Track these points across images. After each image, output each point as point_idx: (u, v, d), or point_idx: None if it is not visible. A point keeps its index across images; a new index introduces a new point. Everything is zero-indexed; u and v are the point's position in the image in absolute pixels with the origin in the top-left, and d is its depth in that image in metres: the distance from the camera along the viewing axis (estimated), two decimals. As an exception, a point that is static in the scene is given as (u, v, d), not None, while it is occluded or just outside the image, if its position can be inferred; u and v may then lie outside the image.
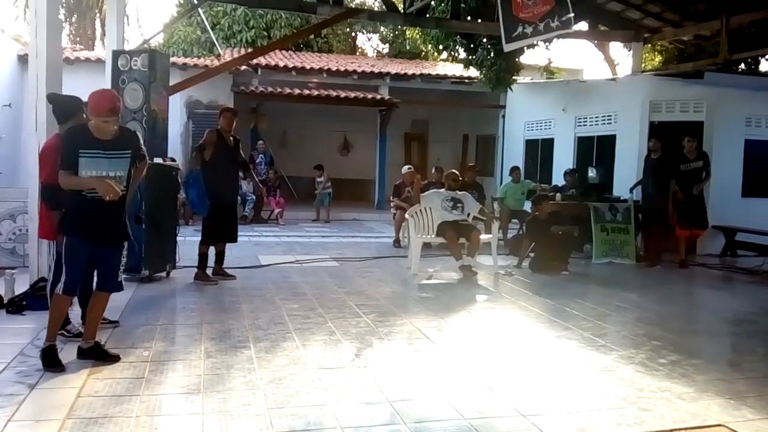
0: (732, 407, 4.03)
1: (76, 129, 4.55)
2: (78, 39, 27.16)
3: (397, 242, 11.16)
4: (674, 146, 9.88)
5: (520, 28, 9.50)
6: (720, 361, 5.24)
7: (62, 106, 5.09)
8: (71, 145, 4.40)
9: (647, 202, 9.96)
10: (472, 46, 13.88)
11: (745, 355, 5.47)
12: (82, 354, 4.53)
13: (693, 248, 11.10)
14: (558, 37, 12.22)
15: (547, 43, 14.37)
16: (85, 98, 4.60)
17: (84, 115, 4.84)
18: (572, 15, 9.16)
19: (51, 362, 4.36)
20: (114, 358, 4.53)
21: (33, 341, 4.91)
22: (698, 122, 11.25)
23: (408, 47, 26.01)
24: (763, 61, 17.43)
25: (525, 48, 13.83)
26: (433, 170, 12.65)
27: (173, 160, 8.77)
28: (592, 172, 13.05)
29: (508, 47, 9.97)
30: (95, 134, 4.42)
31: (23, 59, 13.08)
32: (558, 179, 13.02)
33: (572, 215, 10.16)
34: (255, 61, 15.51)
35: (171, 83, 8.60)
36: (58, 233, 4.63)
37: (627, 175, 11.80)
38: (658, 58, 19.90)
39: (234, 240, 7.92)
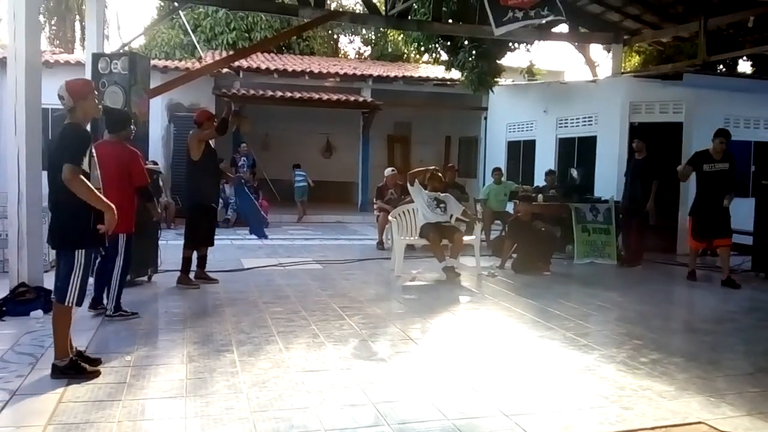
0: (712, 405, 4.08)
1: (79, 126, 4.37)
2: (57, 42, 26.92)
3: (380, 244, 11.17)
4: (655, 147, 9.97)
5: (510, 13, 9.64)
6: (700, 360, 5.28)
7: (114, 118, 5.83)
8: (83, 142, 4.30)
9: (631, 202, 9.82)
10: (453, 48, 13.94)
11: (725, 354, 5.53)
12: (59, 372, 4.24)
13: (673, 248, 11.21)
14: (543, 32, 12.37)
15: (528, 45, 14.48)
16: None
17: (133, 128, 5.95)
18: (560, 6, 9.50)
19: (81, 371, 4.25)
20: (93, 374, 4.30)
21: (13, 347, 4.87)
22: (677, 123, 11.38)
23: (390, 49, 26.06)
24: (741, 62, 17.64)
25: (507, 49, 14.00)
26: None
27: (155, 163, 8.74)
28: (574, 173, 13.13)
29: (498, 31, 10.04)
30: None
31: (2, 62, 12.94)
32: (540, 180, 13.10)
33: (553, 216, 10.24)
34: (237, 63, 15.47)
35: (152, 86, 8.56)
36: (77, 246, 4.30)
37: (608, 175, 11.90)
38: (638, 60, 20.07)
39: (211, 244, 7.87)
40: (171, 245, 8.54)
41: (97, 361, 4.49)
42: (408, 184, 8.88)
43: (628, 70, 17.79)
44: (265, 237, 9.42)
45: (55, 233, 4.35)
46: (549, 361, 5.01)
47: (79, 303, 4.37)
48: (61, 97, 4.36)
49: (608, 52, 16.04)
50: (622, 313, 6.83)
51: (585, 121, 13.11)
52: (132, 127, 6.30)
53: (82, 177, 4.15)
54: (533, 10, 9.79)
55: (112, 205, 4.29)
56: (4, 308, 5.79)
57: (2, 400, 3.84)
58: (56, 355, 4.28)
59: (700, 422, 3.80)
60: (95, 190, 4.23)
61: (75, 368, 4.26)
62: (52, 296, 4.34)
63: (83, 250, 4.30)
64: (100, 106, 4.67)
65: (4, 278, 6.52)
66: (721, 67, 16.38)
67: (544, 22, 10.32)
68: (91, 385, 4.14)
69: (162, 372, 4.45)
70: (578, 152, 13.39)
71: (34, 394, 3.98)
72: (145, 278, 7.62)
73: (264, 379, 4.33)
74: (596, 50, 21.86)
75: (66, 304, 4.26)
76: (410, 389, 4.24)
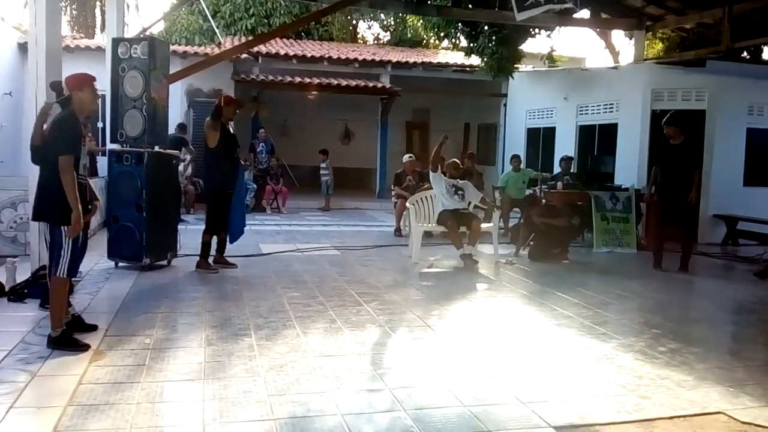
0: (731, 395, 4.05)
1: (75, 115, 4.63)
2: (78, 27, 27.06)
3: (398, 231, 11.16)
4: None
5: None
6: (719, 350, 5.25)
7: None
8: (77, 131, 4.57)
9: (671, 194, 8.45)
10: (473, 33, 13.83)
11: (745, 344, 5.48)
12: (52, 342, 4.49)
13: (695, 238, 11.10)
14: (564, 18, 12.23)
15: (548, 31, 14.35)
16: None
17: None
18: None
19: (72, 343, 4.47)
20: (82, 348, 4.47)
21: (34, 329, 4.93)
22: (700, 110, 11.24)
23: (409, 35, 25.92)
24: (765, 49, 17.32)
25: (528, 35, 13.88)
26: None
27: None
28: (597, 161, 13.03)
29: (520, 16, 9.95)
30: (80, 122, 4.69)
31: (23, 47, 13.05)
32: (559, 168, 13.02)
33: (571, 204, 10.12)
34: (256, 49, 15.46)
35: (171, 71, 8.58)
36: (64, 222, 4.50)
37: (628, 163, 11.80)
38: (660, 47, 19.82)
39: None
40: (190, 230, 8.60)
41: (92, 327, 4.89)
42: (431, 170, 8.84)
43: (651, 56, 17.57)
44: (236, 239, 8.06)
45: (44, 210, 4.61)
46: (566, 349, 4.99)
47: (72, 274, 4.64)
48: (61, 87, 4.71)
49: (630, 38, 15.85)
50: (641, 303, 6.79)
51: (606, 108, 12.98)
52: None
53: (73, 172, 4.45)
54: None
55: (80, 209, 4.48)
56: (25, 290, 5.86)
57: (24, 381, 3.89)
58: (51, 325, 4.54)
59: (719, 412, 3.77)
60: (75, 186, 4.44)
61: (65, 341, 4.48)
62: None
63: (67, 227, 4.49)
64: (98, 100, 4.88)
65: (25, 261, 6.60)
66: (745, 54, 16.12)
67: (564, 7, 10.23)
68: (111, 367, 4.19)
69: (181, 355, 4.49)
70: (599, 140, 13.29)
71: (54, 375, 4.03)
72: (165, 262, 7.68)
73: (281, 363, 4.35)
74: (618, 37, 21.66)
75: (58, 275, 4.51)
76: (427, 375, 4.25)
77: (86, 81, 4.71)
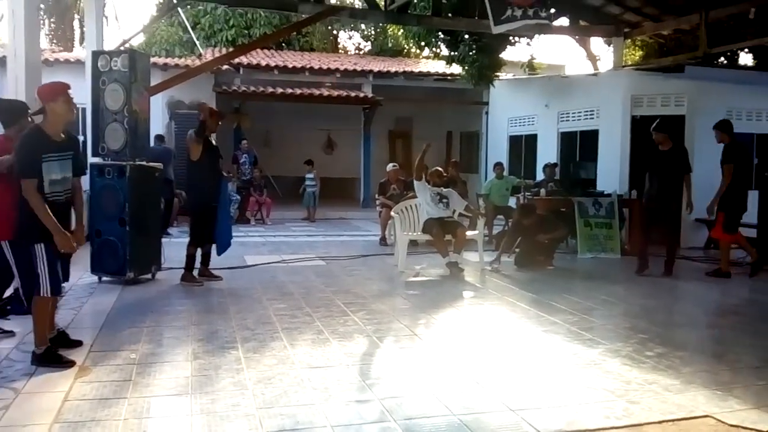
0: (718, 398, 4.07)
1: (36, 132, 4.45)
2: (56, 40, 26.88)
3: (383, 240, 11.15)
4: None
5: (509, 11, 9.64)
6: (706, 353, 5.28)
7: (7, 109, 5.12)
8: (34, 151, 4.36)
9: (657, 201, 8.44)
10: (453, 42, 13.92)
11: (730, 347, 5.51)
12: (36, 359, 4.45)
13: (678, 242, 11.18)
14: (543, 26, 12.35)
15: (528, 39, 14.46)
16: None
17: (30, 119, 4.98)
18: (552, 11, 9.44)
19: (56, 360, 4.42)
20: (67, 364, 4.43)
21: (18, 346, 4.87)
22: (680, 116, 11.34)
23: (390, 44, 26.01)
24: (742, 54, 17.60)
25: (508, 43, 13.99)
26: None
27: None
28: (579, 167, 13.12)
29: (496, 29, 10.07)
30: (51, 136, 4.46)
31: (2, 61, 12.90)
32: (542, 175, 13.09)
33: (555, 210, 10.17)
34: (237, 60, 15.46)
35: (152, 83, 8.54)
36: (24, 240, 4.46)
37: (610, 169, 11.89)
38: (639, 53, 20.05)
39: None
40: (174, 242, 8.53)
41: (77, 343, 4.84)
42: (415, 179, 8.86)
43: (630, 63, 17.76)
44: (223, 251, 7.99)
45: (17, 230, 4.50)
46: (554, 355, 5.00)
47: (56, 292, 4.52)
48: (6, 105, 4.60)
49: (609, 45, 16.02)
50: (626, 308, 6.83)
51: (587, 115, 13.08)
52: (29, 118, 5.09)
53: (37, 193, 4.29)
54: (532, 9, 9.83)
55: (60, 228, 4.37)
56: (8, 307, 5.77)
57: (8, 398, 3.84)
58: (35, 342, 4.48)
59: (706, 416, 3.79)
60: (46, 209, 4.31)
61: (49, 357, 4.44)
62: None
63: (42, 244, 4.37)
64: (74, 110, 4.61)
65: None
66: (723, 59, 16.34)
67: (539, 22, 10.39)
68: (97, 383, 4.14)
69: (167, 369, 4.45)
70: (580, 146, 13.38)
71: (39, 392, 3.98)
72: (149, 276, 7.62)
73: (269, 375, 4.32)
74: (597, 44, 21.94)
75: (41, 294, 4.42)
76: (415, 385, 4.24)
77: (59, 91, 4.50)
